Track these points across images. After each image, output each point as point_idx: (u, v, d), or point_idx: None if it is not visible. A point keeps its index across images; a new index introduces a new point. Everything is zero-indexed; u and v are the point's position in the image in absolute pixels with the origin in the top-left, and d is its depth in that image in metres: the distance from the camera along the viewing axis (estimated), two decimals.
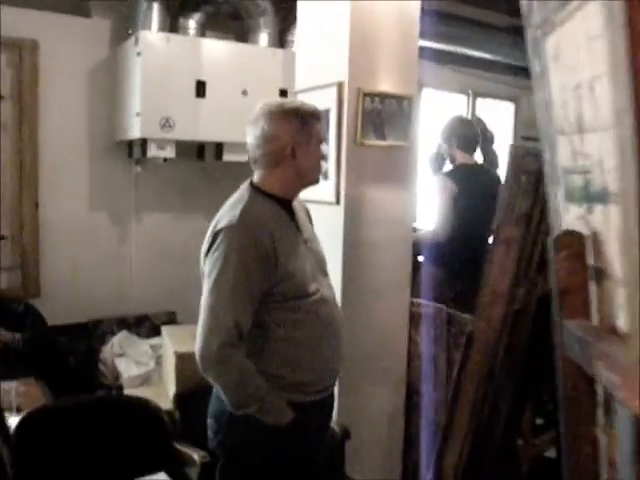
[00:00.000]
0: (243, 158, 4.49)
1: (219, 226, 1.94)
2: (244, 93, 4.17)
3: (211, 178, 4.58)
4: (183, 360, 3.05)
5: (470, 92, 5.84)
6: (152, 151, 3.98)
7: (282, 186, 2.07)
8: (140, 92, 3.85)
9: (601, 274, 1.21)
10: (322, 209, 2.72)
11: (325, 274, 2.20)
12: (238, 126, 4.31)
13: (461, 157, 4.01)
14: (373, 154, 2.90)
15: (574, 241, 1.21)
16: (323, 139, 2.18)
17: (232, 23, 4.56)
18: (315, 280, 2.08)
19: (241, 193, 2.06)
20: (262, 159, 2.04)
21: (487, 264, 1.82)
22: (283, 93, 4.27)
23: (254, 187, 2.06)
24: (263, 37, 4.40)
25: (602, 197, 1.16)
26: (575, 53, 1.17)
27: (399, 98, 2.93)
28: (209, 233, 1.99)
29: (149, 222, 4.52)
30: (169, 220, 4.59)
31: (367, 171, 2.90)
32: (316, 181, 2.17)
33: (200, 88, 4.05)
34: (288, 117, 2.02)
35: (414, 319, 3.10)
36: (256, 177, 2.09)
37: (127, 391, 3.58)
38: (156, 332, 4.20)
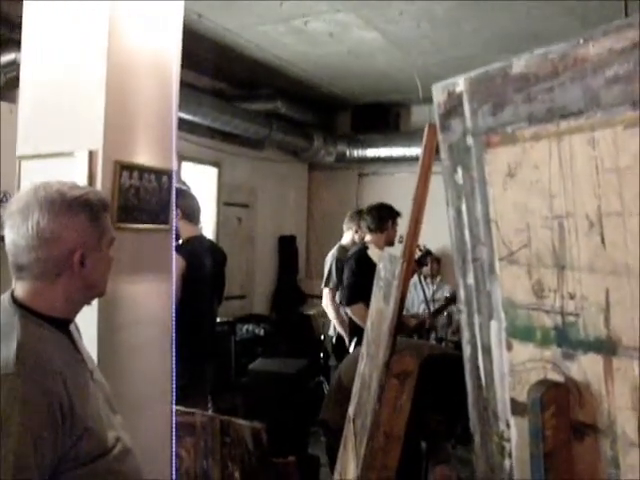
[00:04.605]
0: None
1: None
2: None
3: None
4: None
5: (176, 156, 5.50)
6: None
7: (64, 304, 1.51)
8: None
9: (585, 430, 1.02)
10: None
11: (115, 411, 1.67)
12: None
13: (187, 230, 3.74)
14: (131, 240, 2.39)
15: (560, 395, 1.00)
16: (114, 237, 1.65)
17: None
18: (111, 426, 1.56)
19: (4, 318, 1.43)
20: (35, 267, 1.45)
21: (377, 402, 1.51)
22: None
23: (21, 306, 1.45)
24: None
25: (599, 345, 0.97)
26: (559, 179, 0.98)
27: (158, 173, 2.48)
28: None
29: None
30: None
31: (124, 262, 2.37)
32: (103, 293, 1.64)
33: None
34: (74, 210, 1.48)
35: (177, 430, 2.62)
36: (23, 291, 1.48)
37: None
38: None
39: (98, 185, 2.28)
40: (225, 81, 5.99)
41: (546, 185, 1.02)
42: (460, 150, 1.18)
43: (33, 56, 2.49)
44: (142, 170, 2.41)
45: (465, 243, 1.20)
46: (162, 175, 2.50)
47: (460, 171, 1.19)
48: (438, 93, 1.22)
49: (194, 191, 4.31)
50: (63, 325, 1.52)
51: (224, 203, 6.33)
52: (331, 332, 4.99)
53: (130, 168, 2.36)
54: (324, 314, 5.22)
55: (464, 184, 1.19)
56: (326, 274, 4.88)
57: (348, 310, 4.07)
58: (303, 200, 7.67)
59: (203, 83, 5.67)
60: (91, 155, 2.27)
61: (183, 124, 5.41)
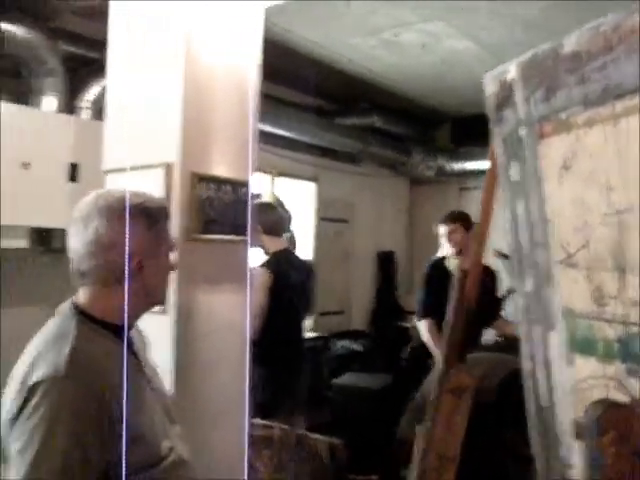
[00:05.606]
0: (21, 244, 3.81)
1: (36, 377, 1.32)
2: (25, 166, 3.43)
3: None
4: None
5: (273, 171, 5.58)
6: None
7: (122, 310, 1.50)
8: None
9: None
10: (144, 321, 2.13)
11: (173, 421, 1.65)
12: (16, 206, 3.66)
13: (271, 244, 3.73)
14: (207, 251, 2.41)
15: (622, 418, 0.86)
16: (174, 245, 1.65)
17: (7, 81, 3.81)
18: (166, 435, 1.53)
19: (62, 322, 1.46)
20: (95, 273, 1.47)
21: (430, 419, 1.42)
22: (74, 168, 3.61)
23: (81, 312, 1.47)
24: (48, 101, 3.71)
25: None
26: (617, 168, 0.86)
27: (235, 184, 2.49)
28: (16, 387, 1.35)
29: None
30: None
31: (200, 272, 2.39)
32: (163, 301, 1.64)
33: None
34: (133, 216, 1.48)
35: (255, 443, 2.60)
36: (84, 297, 1.50)
37: None
38: None
39: (175, 197, 2.32)
40: (320, 97, 6.02)
41: (603, 176, 0.89)
42: (514, 142, 1.07)
43: (117, 76, 2.59)
44: (219, 181, 2.43)
45: (521, 246, 1.09)
46: (239, 187, 2.51)
47: (514, 166, 1.08)
48: (489, 84, 1.12)
49: (289, 206, 4.32)
50: (122, 331, 1.52)
51: (322, 218, 6.33)
52: None
53: (207, 180, 2.38)
54: None
55: (519, 181, 1.08)
56: None
57: (418, 324, 3.92)
58: (402, 215, 7.55)
59: (303, 100, 5.71)
60: (168, 167, 2.32)
61: (281, 140, 5.50)
